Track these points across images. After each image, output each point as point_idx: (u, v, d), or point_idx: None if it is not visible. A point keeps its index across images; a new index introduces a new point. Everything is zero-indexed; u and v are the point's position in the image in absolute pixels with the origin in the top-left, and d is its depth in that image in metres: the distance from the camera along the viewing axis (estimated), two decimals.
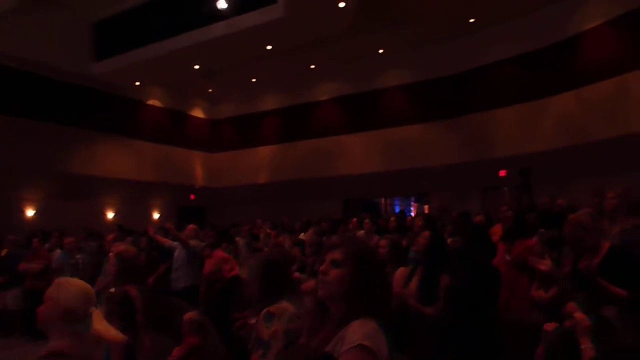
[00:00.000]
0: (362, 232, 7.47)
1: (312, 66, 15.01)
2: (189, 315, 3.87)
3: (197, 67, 13.59)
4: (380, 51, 14.04)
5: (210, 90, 17.20)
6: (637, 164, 8.70)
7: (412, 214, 13.94)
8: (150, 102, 16.11)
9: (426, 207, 12.38)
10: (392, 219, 6.85)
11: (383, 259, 1.84)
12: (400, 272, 4.16)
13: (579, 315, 2.48)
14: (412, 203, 16.92)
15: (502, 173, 12.38)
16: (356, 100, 15.26)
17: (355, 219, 8.56)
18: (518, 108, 12.10)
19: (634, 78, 9.58)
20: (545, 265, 3.52)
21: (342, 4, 10.27)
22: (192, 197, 17.28)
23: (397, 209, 17.14)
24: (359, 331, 1.59)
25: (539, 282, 3.80)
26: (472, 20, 12.17)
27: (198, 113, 18.08)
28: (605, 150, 9.88)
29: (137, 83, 14.70)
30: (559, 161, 10.84)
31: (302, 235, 7.88)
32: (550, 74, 11.38)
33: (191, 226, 7.09)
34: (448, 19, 12.05)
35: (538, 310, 4.01)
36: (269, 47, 12.26)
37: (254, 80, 16.19)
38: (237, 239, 8.83)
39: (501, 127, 12.45)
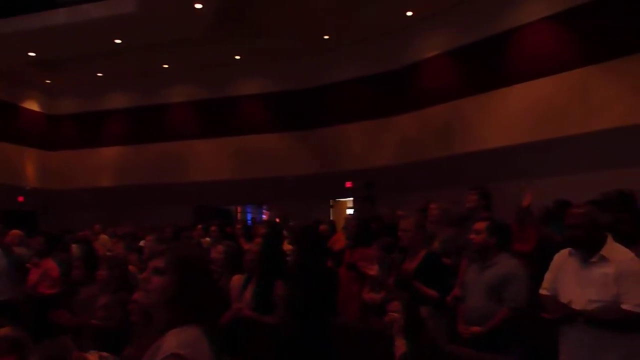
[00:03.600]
0: (208, 239, 7.31)
1: (165, 66, 14.44)
2: (3, 331, 3.45)
3: (32, 54, 12.25)
4: (237, 57, 14.00)
5: (48, 82, 15.60)
6: (464, 181, 9.78)
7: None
8: None
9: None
10: (239, 226, 6.85)
11: (209, 265, 1.82)
12: (236, 279, 4.16)
13: (393, 315, 2.67)
14: (263, 211, 17.09)
15: (348, 184, 13.10)
16: (211, 105, 15.00)
17: (200, 226, 8.34)
18: (364, 125, 12.89)
19: (466, 104, 10.75)
20: (373, 270, 3.78)
21: (198, 6, 10.05)
22: (21, 199, 15.42)
23: (249, 217, 17.19)
24: (175, 339, 1.58)
25: (369, 285, 4.07)
26: (326, 37, 12.71)
27: (32, 106, 16.24)
28: (439, 167, 10.93)
29: None
30: (400, 176, 11.76)
31: (142, 243, 7.47)
32: (393, 95, 12.33)
33: (14, 232, 6.35)
34: (304, 34, 12.43)
35: (370, 313, 4.27)
36: (117, 42, 11.52)
37: (99, 75, 15.07)
38: (72, 245, 8.08)
39: (349, 141, 13.16)
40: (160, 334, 1.64)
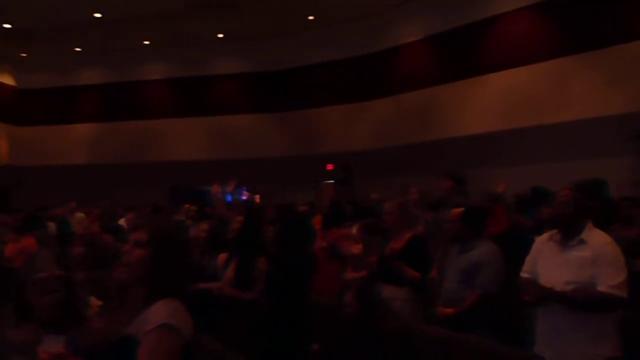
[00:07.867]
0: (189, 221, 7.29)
1: (146, 42, 14.15)
2: None
3: (7, 26, 11.89)
4: (220, 36, 13.81)
5: (23, 55, 15.09)
6: (440, 166, 9.92)
7: None
8: None
9: (257, 196, 12.59)
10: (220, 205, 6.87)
11: (185, 240, 1.88)
12: (222, 258, 4.20)
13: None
14: (244, 192, 17.02)
15: (330, 167, 13.16)
16: (188, 83, 14.78)
17: (187, 206, 8.37)
18: (342, 108, 12.93)
19: (443, 90, 10.87)
20: (357, 249, 3.87)
21: None
22: None
23: (229, 198, 17.08)
24: (163, 311, 1.65)
25: (351, 265, 4.14)
26: (310, 18, 12.60)
27: (4, 79, 15.75)
28: (415, 152, 11.04)
29: None
30: (377, 160, 11.86)
31: (121, 221, 7.44)
32: (371, 79, 12.37)
33: None
34: (288, 14, 12.32)
35: (350, 292, 4.36)
36: (97, 16, 11.25)
37: (78, 49, 14.67)
38: (49, 223, 7.96)
39: (328, 124, 13.18)
40: (139, 307, 1.70)
